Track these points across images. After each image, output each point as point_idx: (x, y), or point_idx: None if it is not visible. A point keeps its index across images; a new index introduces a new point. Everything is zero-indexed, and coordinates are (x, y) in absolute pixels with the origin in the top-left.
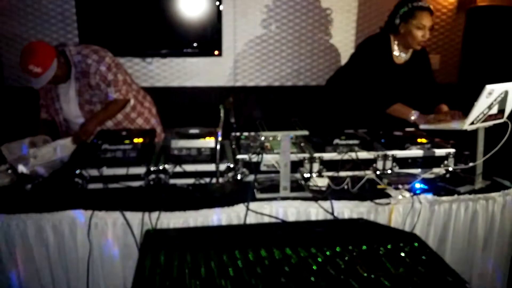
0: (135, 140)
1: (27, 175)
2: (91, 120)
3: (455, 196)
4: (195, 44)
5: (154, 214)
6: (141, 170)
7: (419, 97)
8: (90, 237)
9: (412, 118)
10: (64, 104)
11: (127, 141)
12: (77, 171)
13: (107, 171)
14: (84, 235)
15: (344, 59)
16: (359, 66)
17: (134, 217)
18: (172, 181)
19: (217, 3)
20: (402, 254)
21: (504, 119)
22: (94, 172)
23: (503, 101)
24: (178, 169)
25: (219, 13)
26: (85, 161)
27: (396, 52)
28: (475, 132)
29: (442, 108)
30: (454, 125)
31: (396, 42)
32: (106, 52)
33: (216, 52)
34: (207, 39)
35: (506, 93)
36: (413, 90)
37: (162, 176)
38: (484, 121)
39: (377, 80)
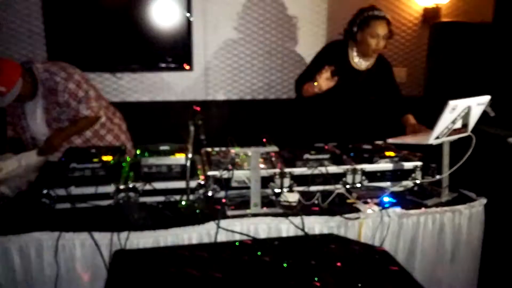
0: (104, 158)
1: None
2: (58, 134)
3: (423, 209)
4: (165, 59)
5: (124, 234)
6: (110, 188)
7: (384, 108)
8: (58, 259)
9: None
10: (31, 121)
11: (96, 159)
12: (44, 191)
13: (75, 191)
14: (51, 257)
15: None
16: (313, 66)
17: (103, 238)
18: (142, 199)
19: (187, 14)
20: (371, 270)
21: (468, 133)
22: (61, 192)
23: (466, 116)
24: (148, 187)
25: (189, 27)
26: (52, 180)
27: (355, 59)
28: (441, 144)
29: (409, 118)
30: (420, 139)
31: (354, 49)
32: (74, 69)
33: (187, 67)
34: (177, 53)
35: (469, 108)
36: (375, 98)
37: (131, 194)
38: (449, 135)
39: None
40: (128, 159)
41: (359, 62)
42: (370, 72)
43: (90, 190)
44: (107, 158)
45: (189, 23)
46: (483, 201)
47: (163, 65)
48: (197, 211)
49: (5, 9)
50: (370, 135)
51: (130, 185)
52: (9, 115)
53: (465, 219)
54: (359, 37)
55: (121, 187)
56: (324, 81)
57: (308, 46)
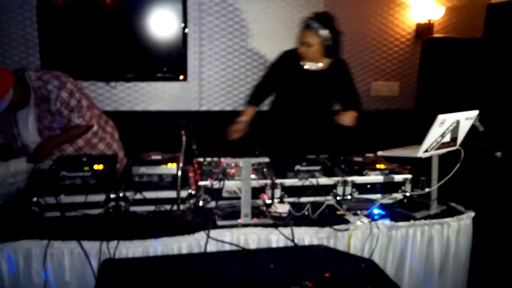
0: (95, 167)
1: None
2: (49, 141)
3: (411, 222)
4: (160, 69)
5: (113, 243)
6: (100, 197)
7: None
8: (46, 268)
9: None
10: (22, 129)
11: (86, 168)
12: (34, 199)
13: (65, 199)
14: (40, 265)
15: None
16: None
17: (92, 247)
18: (133, 208)
19: (182, 25)
20: (360, 281)
21: (457, 146)
22: (51, 200)
23: (455, 130)
24: (139, 196)
25: (184, 38)
26: (42, 188)
27: (302, 62)
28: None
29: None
30: (410, 152)
31: None
32: (67, 77)
33: (181, 77)
34: (172, 64)
35: (458, 122)
36: (330, 98)
37: (122, 203)
38: (438, 148)
39: (275, 77)
40: None
41: (309, 65)
42: (324, 73)
43: (80, 198)
44: (98, 166)
45: (184, 34)
46: (471, 214)
47: (158, 75)
48: (188, 221)
49: (0, 17)
50: (361, 148)
51: (121, 194)
52: (0, 122)
53: (453, 231)
54: None
55: (112, 195)
56: (232, 133)
57: None
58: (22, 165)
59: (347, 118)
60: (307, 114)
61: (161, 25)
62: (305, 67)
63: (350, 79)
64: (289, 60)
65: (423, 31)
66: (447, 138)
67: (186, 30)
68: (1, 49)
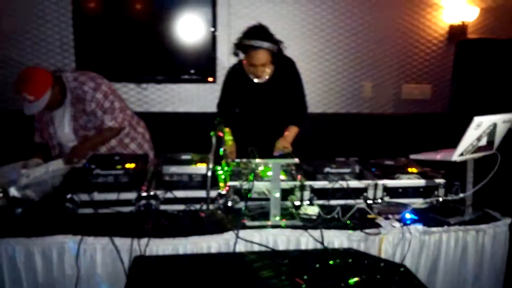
0: (127, 166)
1: (18, 198)
2: (84, 143)
3: (445, 227)
4: (190, 71)
5: (144, 240)
6: (132, 195)
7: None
8: (79, 263)
9: None
10: (58, 128)
11: (119, 166)
12: (68, 196)
13: (98, 196)
14: (73, 260)
15: (340, 85)
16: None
17: (123, 243)
18: (163, 207)
19: (212, 28)
20: (391, 286)
21: (493, 150)
22: (85, 197)
23: (492, 133)
24: (169, 195)
25: (214, 40)
26: (76, 185)
27: (251, 75)
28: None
29: (286, 132)
30: (444, 156)
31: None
32: (102, 79)
33: (210, 79)
34: (202, 66)
35: (495, 125)
36: (280, 106)
37: (152, 202)
38: (474, 152)
39: (231, 96)
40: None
41: (263, 78)
42: (271, 81)
43: (112, 196)
44: (130, 165)
45: (213, 37)
46: (508, 220)
47: (188, 77)
48: (217, 220)
49: (37, 21)
50: (392, 152)
51: (152, 193)
52: (37, 121)
53: (489, 239)
54: (245, 62)
55: (143, 194)
56: (230, 155)
57: (331, 61)
58: (60, 166)
59: (281, 145)
60: (270, 123)
61: (191, 28)
62: (257, 81)
63: (297, 78)
64: (236, 76)
65: (456, 32)
66: (483, 142)
67: (216, 33)
68: (39, 52)
